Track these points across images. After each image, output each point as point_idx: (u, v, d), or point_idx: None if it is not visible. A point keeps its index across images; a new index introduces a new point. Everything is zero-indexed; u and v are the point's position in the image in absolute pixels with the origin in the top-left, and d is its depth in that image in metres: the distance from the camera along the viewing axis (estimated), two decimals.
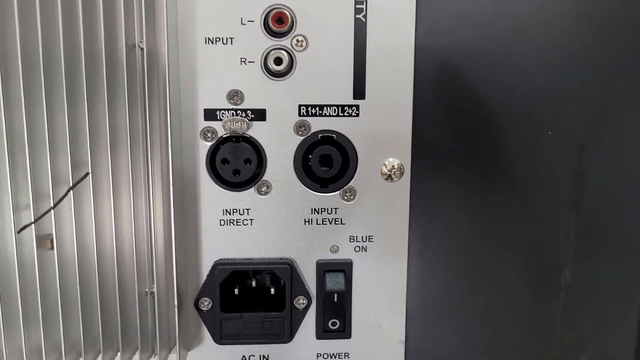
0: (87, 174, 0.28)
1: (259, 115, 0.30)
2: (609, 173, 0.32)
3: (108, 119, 0.28)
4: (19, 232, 0.28)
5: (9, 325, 0.29)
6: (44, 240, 0.30)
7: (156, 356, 0.31)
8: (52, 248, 0.29)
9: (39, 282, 0.29)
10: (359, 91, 0.30)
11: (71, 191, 0.27)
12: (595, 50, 0.31)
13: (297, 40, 0.30)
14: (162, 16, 0.28)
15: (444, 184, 0.32)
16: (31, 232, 0.28)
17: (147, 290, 0.31)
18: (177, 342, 0.30)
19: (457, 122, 0.31)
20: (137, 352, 0.31)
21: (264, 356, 0.33)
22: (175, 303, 0.30)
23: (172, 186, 0.29)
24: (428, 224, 0.32)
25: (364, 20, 0.30)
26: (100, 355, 0.30)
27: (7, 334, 0.29)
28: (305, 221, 0.32)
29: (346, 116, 0.31)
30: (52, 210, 0.28)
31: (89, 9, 0.28)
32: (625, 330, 0.35)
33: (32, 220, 0.27)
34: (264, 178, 0.31)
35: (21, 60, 0.27)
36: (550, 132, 0.32)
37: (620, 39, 0.31)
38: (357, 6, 0.30)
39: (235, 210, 0.31)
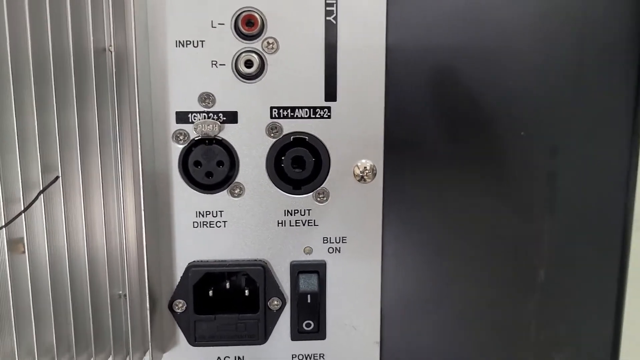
0: (57, 177, 0.28)
1: (231, 117, 0.30)
2: (582, 174, 0.33)
3: (78, 122, 0.28)
4: None
5: None
6: (15, 244, 0.30)
7: (130, 359, 0.31)
8: (24, 252, 0.29)
9: (10, 286, 0.29)
10: (331, 93, 0.30)
11: (42, 195, 0.27)
12: (570, 51, 0.31)
13: (268, 43, 0.30)
14: (130, 19, 0.28)
15: (417, 185, 0.32)
16: (1, 236, 0.28)
17: (120, 292, 0.31)
18: (150, 344, 0.30)
19: (429, 122, 0.31)
20: (111, 356, 0.31)
21: (239, 357, 0.33)
22: (147, 305, 0.30)
23: (143, 189, 0.29)
24: (401, 224, 0.32)
25: (334, 22, 0.30)
26: (73, 358, 0.30)
27: None
28: (278, 223, 0.32)
29: (318, 118, 0.31)
30: (23, 214, 0.28)
31: (57, 11, 0.28)
32: (601, 331, 0.35)
33: (3, 224, 0.28)
34: (236, 180, 0.31)
35: None
36: (523, 133, 0.32)
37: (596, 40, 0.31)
38: (328, 8, 0.30)
39: (208, 213, 0.31)
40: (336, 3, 0.30)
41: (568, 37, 0.31)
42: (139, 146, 0.29)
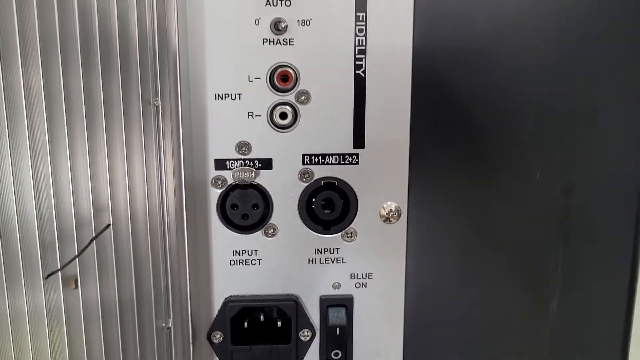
0: (109, 225, 0.30)
1: (266, 164, 0.32)
2: (594, 203, 0.34)
3: (127, 169, 0.31)
4: (46, 278, 0.30)
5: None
6: (68, 280, 0.32)
7: None
8: (76, 287, 0.32)
9: (65, 318, 0.32)
10: (359, 141, 0.33)
11: (94, 240, 0.30)
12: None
13: (301, 95, 0.32)
14: (174, 75, 0.30)
15: (440, 226, 0.34)
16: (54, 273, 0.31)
17: (164, 324, 0.33)
18: None
19: (452, 166, 0.33)
20: None
21: None
22: (190, 339, 0.32)
23: (187, 230, 0.32)
24: (424, 262, 0.34)
25: (363, 75, 0.32)
26: None
27: None
28: (309, 260, 0.34)
29: (347, 164, 0.33)
30: (77, 253, 0.31)
31: (107, 76, 0.30)
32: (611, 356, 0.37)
33: (59, 267, 0.30)
34: (270, 221, 0.33)
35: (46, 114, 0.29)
36: (538, 176, 0.34)
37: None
38: (357, 62, 0.32)
39: (244, 251, 0.34)
40: (365, 57, 0.32)
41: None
42: (183, 191, 0.31)
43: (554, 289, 0.36)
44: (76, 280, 0.32)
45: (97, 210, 0.31)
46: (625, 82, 0.33)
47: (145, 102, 0.30)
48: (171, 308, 0.33)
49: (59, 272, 0.30)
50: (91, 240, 0.30)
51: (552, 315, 0.36)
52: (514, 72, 0.32)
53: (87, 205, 0.31)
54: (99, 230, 0.30)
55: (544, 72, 0.32)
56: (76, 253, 0.30)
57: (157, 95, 0.31)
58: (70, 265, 0.31)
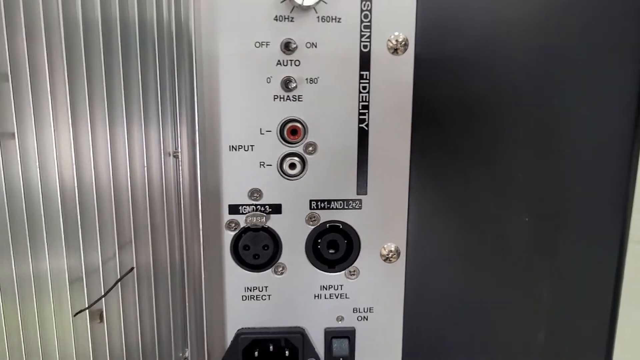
0: (132, 268, 0.33)
1: (276, 209, 0.35)
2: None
3: (149, 216, 0.34)
4: (74, 316, 0.33)
5: None
6: (94, 315, 0.35)
7: None
8: (102, 321, 0.35)
9: (91, 351, 0.34)
10: (362, 188, 0.35)
11: (119, 283, 0.33)
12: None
13: (308, 146, 0.34)
14: (192, 128, 0.33)
15: (436, 265, 0.37)
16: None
17: (181, 354, 0.36)
18: None
19: (449, 213, 0.36)
20: None
21: None
22: None
23: (203, 269, 0.34)
24: (422, 298, 0.37)
25: (366, 128, 0.34)
26: None
27: None
28: (315, 296, 0.37)
29: (351, 209, 0.35)
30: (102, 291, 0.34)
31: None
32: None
33: (87, 304, 0.33)
34: (280, 261, 0.36)
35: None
36: (527, 219, 0.36)
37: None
38: (361, 117, 0.34)
39: (255, 288, 0.36)
40: (368, 112, 0.34)
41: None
42: (201, 233, 0.34)
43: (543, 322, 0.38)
44: (101, 315, 0.35)
45: (122, 249, 0.34)
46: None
47: (167, 156, 0.33)
48: (188, 339, 0.36)
49: (87, 310, 0.33)
50: (117, 282, 0.33)
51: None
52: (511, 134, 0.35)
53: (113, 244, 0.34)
54: (123, 273, 0.33)
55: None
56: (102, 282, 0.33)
57: (177, 147, 0.33)
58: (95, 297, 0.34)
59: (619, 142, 0.35)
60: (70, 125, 0.32)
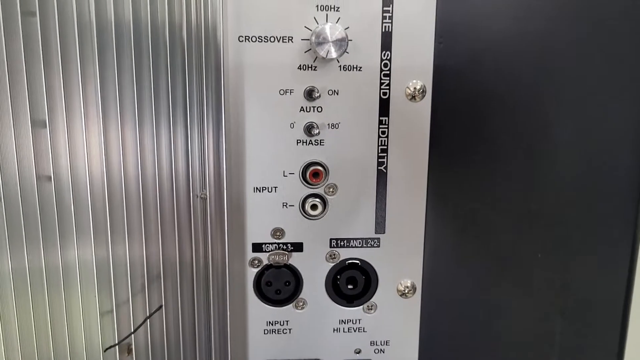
0: (161, 306, 0.34)
1: (297, 247, 0.37)
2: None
3: (178, 254, 0.35)
4: (105, 351, 0.34)
5: None
6: (123, 348, 0.36)
7: None
8: (130, 354, 0.36)
9: None
10: (380, 227, 0.37)
11: (147, 321, 0.34)
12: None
13: (329, 188, 0.36)
14: (219, 171, 0.35)
15: (451, 301, 0.38)
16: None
17: None
18: None
19: (463, 253, 0.37)
20: None
21: None
22: None
23: (231, 303, 0.36)
24: (436, 333, 0.39)
25: (385, 171, 0.36)
26: None
27: None
28: (334, 329, 0.38)
29: (369, 247, 0.37)
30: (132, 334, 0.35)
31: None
32: None
33: (117, 340, 0.34)
34: (300, 296, 0.37)
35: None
36: (539, 255, 0.38)
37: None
38: (379, 159, 0.36)
39: (276, 322, 0.38)
40: (387, 156, 0.36)
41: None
42: (227, 271, 0.35)
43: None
44: (130, 349, 0.36)
45: (153, 285, 0.35)
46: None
47: (195, 197, 0.34)
48: None
49: (116, 346, 0.34)
50: (145, 319, 0.34)
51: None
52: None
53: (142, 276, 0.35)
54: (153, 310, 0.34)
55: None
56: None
57: (204, 189, 0.35)
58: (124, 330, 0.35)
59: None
60: (104, 160, 0.33)
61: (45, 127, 0.32)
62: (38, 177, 0.33)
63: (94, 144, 0.33)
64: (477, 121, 0.36)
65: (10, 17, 0.31)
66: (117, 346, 0.35)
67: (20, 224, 0.33)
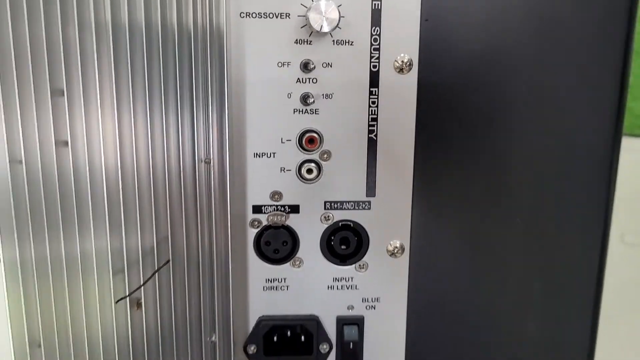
0: (168, 261, 0.37)
1: (294, 209, 0.40)
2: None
3: (184, 212, 0.38)
4: (116, 303, 0.37)
5: None
6: (133, 302, 0.39)
7: None
8: (139, 309, 0.39)
9: (130, 336, 0.39)
10: (371, 191, 0.40)
11: (156, 274, 0.37)
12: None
13: (324, 154, 0.39)
14: (221, 138, 0.37)
15: (437, 259, 0.41)
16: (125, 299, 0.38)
17: (209, 339, 0.40)
18: None
19: (446, 214, 0.40)
20: None
21: None
22: (232, 349, 0.40)
23: (232, 262, 0.39)
24: (423, 290, 0.41)
25: (375, 138, 0.39)
26: None
27: None
28: (328, 287, 0.41)
29: (360, 209, 0.40)
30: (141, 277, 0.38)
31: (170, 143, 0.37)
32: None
33: (127, 292, 0.37)
34: (297, 255, 0.40)
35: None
36: (518, 220, 0.41)
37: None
38: (370, 128, 0.39)
39: (275, 279, 0.41)
40: (377, 124, 0.38)
41: None
42: (229, 230, 0.38)
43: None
44: (139, 303, 0.39)
45: (161, 243, 0.38)
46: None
47: (200, 162, 0.37)
48: (216, 326, 0.40)
49: (127, 298, 0.37)
50: (153, 273, 0.37)
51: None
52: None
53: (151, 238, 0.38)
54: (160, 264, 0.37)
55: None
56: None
57: (208, 154, 0.38)
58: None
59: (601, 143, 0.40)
60: (117, 129, 0.36)
61: (63, 95, 0.36)
62: (56, 143, 0.36)
63: (107, 111, 0.36)
64: (457, 96, 0.39)
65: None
66: (127, 299, 0.38)
67: (40, 186, 0.36)
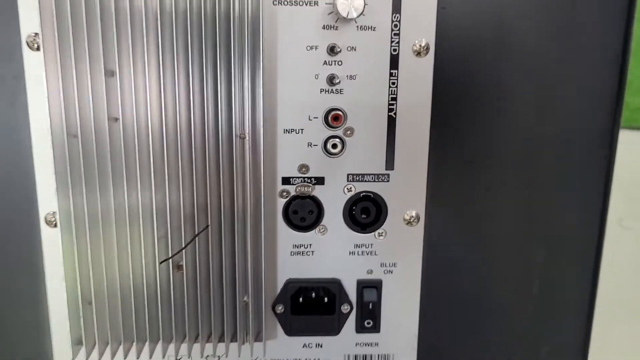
0: (207, 226, 0.41)
1: (320, 181, 0.43)
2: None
3: (222, 186, 0.42)
4: (160, 264, 0.41)
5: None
6: (174, 265, 0.43)
7: (248, 343, 0.45)
8: (180, 271, 0.43)
9: (172, 295, 0.43)
10: (390, 164, 0.43)
11: (196, 238, 0.41)
12: None
13: (347, 130, 0.42)
14: (256, 115, 0.41)
15: (450, 228, 0.45)
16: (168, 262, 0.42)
17: (243, 299, 0.44)
18: (264, 333, 0.44)
19: (462, 184, 0.44)
20: (238, 338, 0.45)
21: (319, 344, 0.47)
22: (263, 309, 0.44)
23: (264, 229, 0.43)
24: (436, 255, 0.45)
25: (394, 116, 0.42)
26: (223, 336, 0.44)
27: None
28: (349, 252, 0.45)
29: (380, 181, 0.44)
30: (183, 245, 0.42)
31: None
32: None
33: (170, 255, 0.41)
34: (322, 223, 0.44)
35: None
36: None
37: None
38: (390, 107, 0.42)
39: (301, 245, 0.44)
40: (396, 104, 0.42)
41: None
42: (262, 200, 0.42)
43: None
44: (180, 265, 0.43)
45: (200, 211, 0.42)
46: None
47: (236, 137, 0.41)
48: (249, 287, 0.44)
49: (169, 260, 0.41)
50: (193, 237, 0.41)
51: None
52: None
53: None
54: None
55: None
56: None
57: (243, 130, 0.41)
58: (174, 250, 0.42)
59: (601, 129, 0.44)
60: (162, 107, 0.40)
61: (114, 75, 0.39)
62: (108, 119, 0.40)
63: (153, 91, 0.40)
64: (469, 76, 0.42)
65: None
66: (169, 260, 0.41)
67: (93, 158, 0.40)
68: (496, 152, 0.44)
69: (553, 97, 0.44)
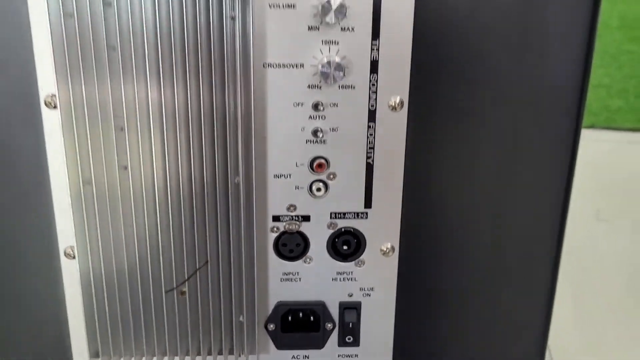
0: (207, 262, 0.47)
1: (306, 218, 0.49)
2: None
3: (219, 226, 0.47)
4: (166, 293, 0.47)
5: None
6: (178, 292, 0.49)
7: (244, 356, 0.51)
8: (183, 295, 0.49)
9: (177, 315, 0.49)
10: (368, 203, 0.49)
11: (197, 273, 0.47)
12: None
13: (330, 175, 0.48)
14: (249, 161, 0.46)
15: (424, 261, 0.51)
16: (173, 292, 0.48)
17: (239, 319, 0.50)
18: (257, 347, 0.51)
19: (433, 220, 0.50)
20: (235, 352, 0.51)
21: (305, 356, 0.53)
22: (256, 328, 0.50)
23: (256, 259, 0.48)
24: (410, 283, 0.51)
25: (372, 163, 0.47)
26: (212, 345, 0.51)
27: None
28: (332, 279, 0.51)
29: (360, 218, 0.49)
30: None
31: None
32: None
33: (175, 285, 0.47)
34: (308, 254, 0.50)
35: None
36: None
37: None
38: (368, 154, 0.47)
39: (290, 273, 0.50)
40: (373, 152, 0.47)
41: None
42: (255, 236, 0.48)
43: None
44: (183, 292, 0.49)
45: (201, 243, 0.48)
46: None
47: (232, 183, 0.46)
48: (244, 308, 0.50)
49: (175, 289, 0.47)
50: (195, 271, 0.47)
51: None
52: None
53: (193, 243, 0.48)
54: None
55: None
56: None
57: (237, 177, 0.47)
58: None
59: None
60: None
61: (123, 130, 0.44)
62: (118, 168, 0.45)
63: (158, 150, 0.45)
64: (446, 123, 0.47)
65: (98, 51, 0.43)
66: (174, 290, 0.47)
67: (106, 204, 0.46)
68: (467, 187, 0.50)
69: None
